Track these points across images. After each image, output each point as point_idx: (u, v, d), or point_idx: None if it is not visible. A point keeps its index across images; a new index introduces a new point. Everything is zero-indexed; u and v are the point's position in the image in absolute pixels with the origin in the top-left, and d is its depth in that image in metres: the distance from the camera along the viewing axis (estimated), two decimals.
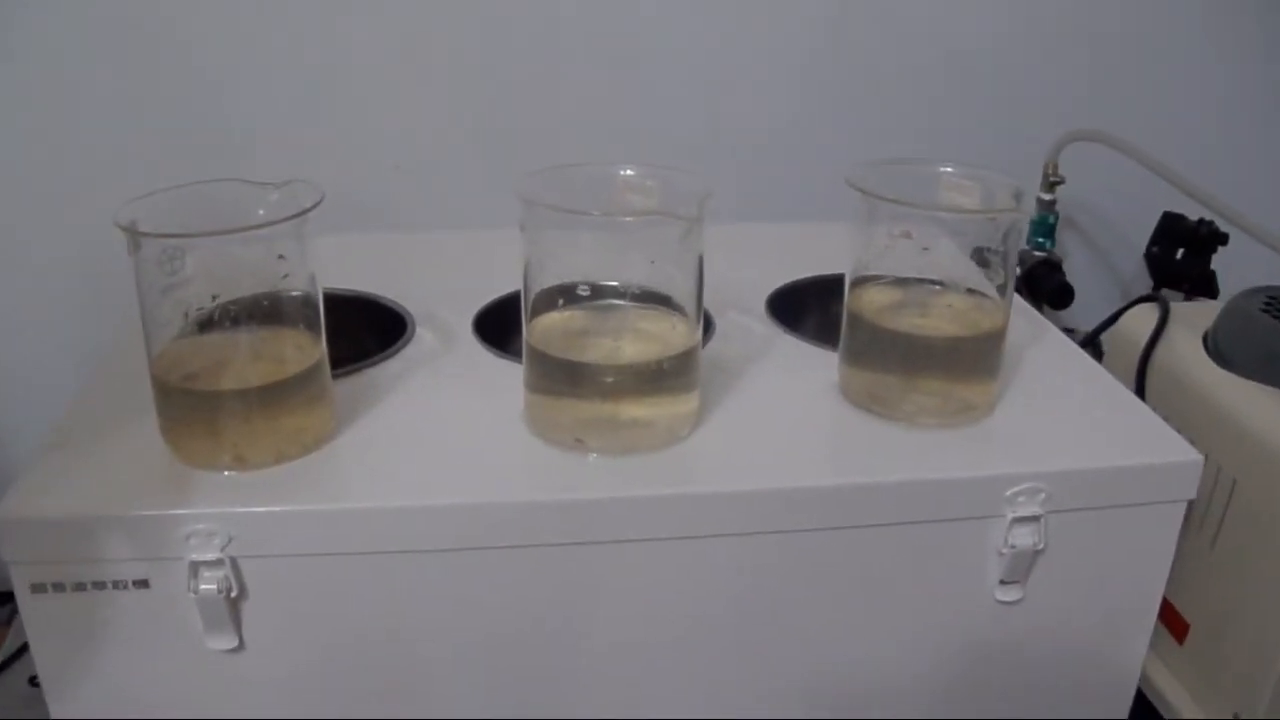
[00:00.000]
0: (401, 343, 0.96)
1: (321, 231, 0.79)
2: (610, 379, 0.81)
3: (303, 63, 1.29)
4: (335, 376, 0.84)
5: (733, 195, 1.30)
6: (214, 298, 0.80)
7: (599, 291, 0.83)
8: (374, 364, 0.93)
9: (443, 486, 0.78)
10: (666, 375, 0.81)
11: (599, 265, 0.82)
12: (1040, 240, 1.38)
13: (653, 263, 0.82)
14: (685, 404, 0.84)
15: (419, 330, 0.98)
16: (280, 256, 0.78)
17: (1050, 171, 1.34)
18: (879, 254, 0.89)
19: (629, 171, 0.84)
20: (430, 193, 1.35)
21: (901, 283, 0.90)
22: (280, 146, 1.29)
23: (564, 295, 0.83)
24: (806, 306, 1.06)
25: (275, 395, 0.79)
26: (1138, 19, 1.42)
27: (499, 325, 0.99)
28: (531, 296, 0.82)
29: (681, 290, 0.82)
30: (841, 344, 0.90)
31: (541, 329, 0.83)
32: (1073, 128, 1.33)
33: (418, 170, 1.34)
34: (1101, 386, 0.95)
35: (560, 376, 0.82)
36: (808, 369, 0.95)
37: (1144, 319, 1.10)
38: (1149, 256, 1.40)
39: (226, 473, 0.79)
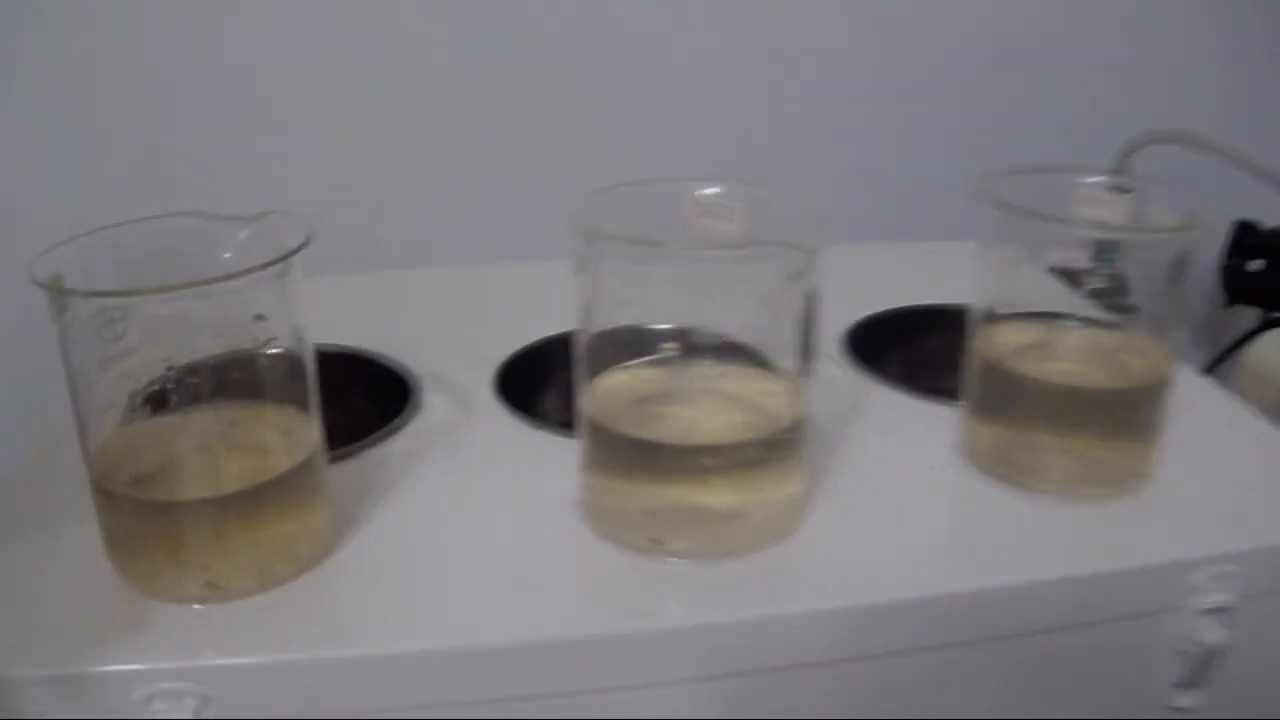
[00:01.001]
0: (407, 412, 0.75)
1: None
2: (697, 461, 0.61)
3: (265, 71, 1.06)
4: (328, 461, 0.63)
5: None
6: (168, 368, 0.59)
7: (671, 345, 0.63)
8: (375, 443, 0.72)
9: (483, 617, 0.59)
10: (771, 455, 0.62)
11: (676, 313, 0.63)
12: (1106, 257, 1.19)
13: (739, 308, 0.63)
14: (790, 491, 0.64)
15: (427, 395, 0.77)
16: (258, 316, 0.57)
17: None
18: (1012, 284, 0.69)
19: (711, 191, 0.64)
20: (419, 223, 1.13)
21: (1040, 320, 0.71)
22: (239, 170, 1.06)
23: (631, 351, 0.63)
24: (890, 345, 0.87)
25: (257, 499, 0.58)
26: (1188, 12, 1.24)
27: (526, 384, 0.79)
28: (589, 354, 0.62)
29: (783, 343, 0.63)
30: (967, 396, 0.71)
31: (604, 396, 0.63)
32: (1139, 131, 1.14)
33: (404, 198, 1.12)
34: (1263, 437, 0.76)
35: (630, 457, 0.62)
36: (914, 425, 0.76)
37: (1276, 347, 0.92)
38: (1225, 270, 1.22)
39: (196, 605, 0.58)
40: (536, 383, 0.80)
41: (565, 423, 0.73)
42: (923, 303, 0.92)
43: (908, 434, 0.75)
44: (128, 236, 0.60)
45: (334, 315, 0.81)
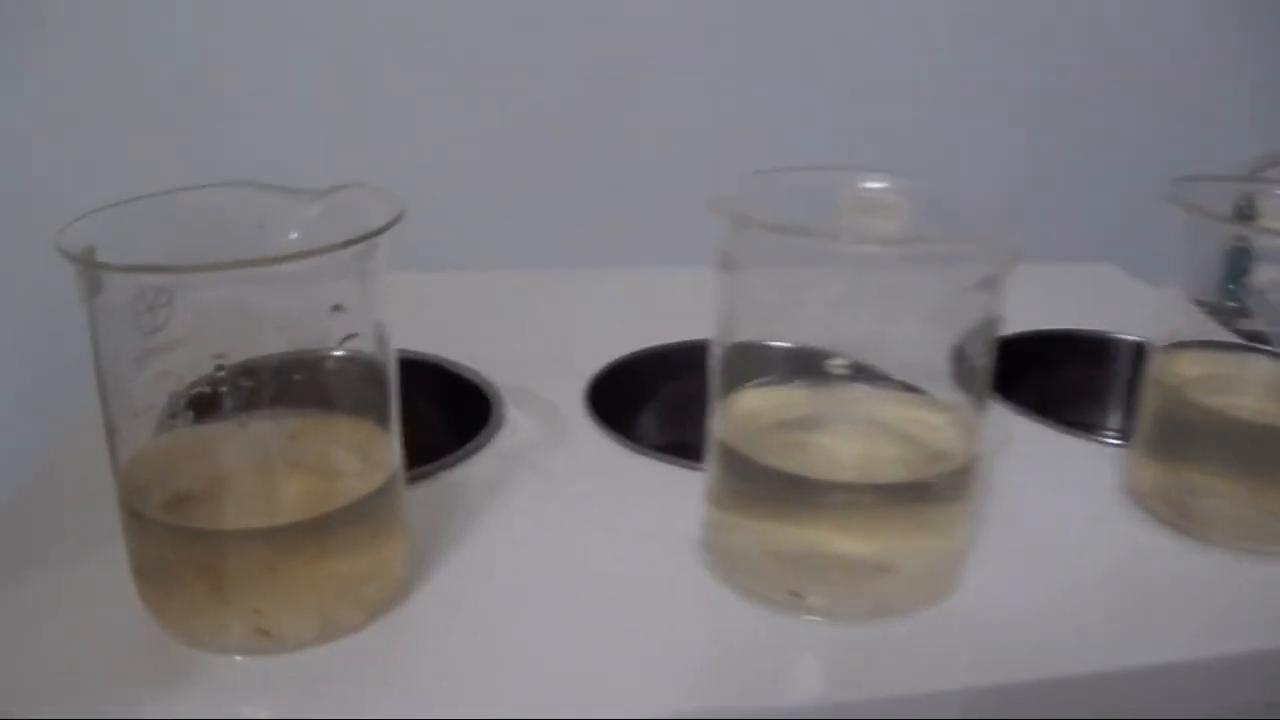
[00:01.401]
0: (488, 430, 0.64)
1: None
2: (847, 500, 0.50)
3: (317, 58, 0.95)
4: None
5: None
6: (219, 366, 0.48)
7: (820, 363, 0.52)
8: (453, 464, 0.61)
9: (583, 683, 0.47)
10: (931, 500, 0.51)
11: (826, 324, 0.51)
12: (1230, 288, 1.07)
13: (903, 321, 0.52)
14: (951, 544, 0.53)
15: (509, 410, 0.66)
16: (335, 308, 0.46)
17: (1244, 201, 1.05)
18: (1193, 309, 0.59)
19: (875, 184, 0.53)
20: (494, 223, 1.01)
21: (1221, 350, 0.60)
22: (290, 163, 0.95)
23: (773, 367, 0.52)
24: (1019, 372, 0.75)
25: (323, 530, 0.47)
26: None
27: (619, 402, 0.67)
28: (725, 366, 0.51)
29: (952, 368, 0.51)
30: (1139, 433, 0.60)
31: (739, 418, 0.52)
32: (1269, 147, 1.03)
33: (476, 195, 1.00)
34: None
35: (769, 492, 0.51)
36: (1065, 464, 0.65)
37: None
38: None
39: (241, 657, 0.47)
40: (631, 400, 0.69)
41: (665, 446, 0.62)
42: (1047, 327, 0.81)
43: (1061, 474, 0.64)
44: (173, 208, 0.50)
45: (400, 318, 0.71)
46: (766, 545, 0.51)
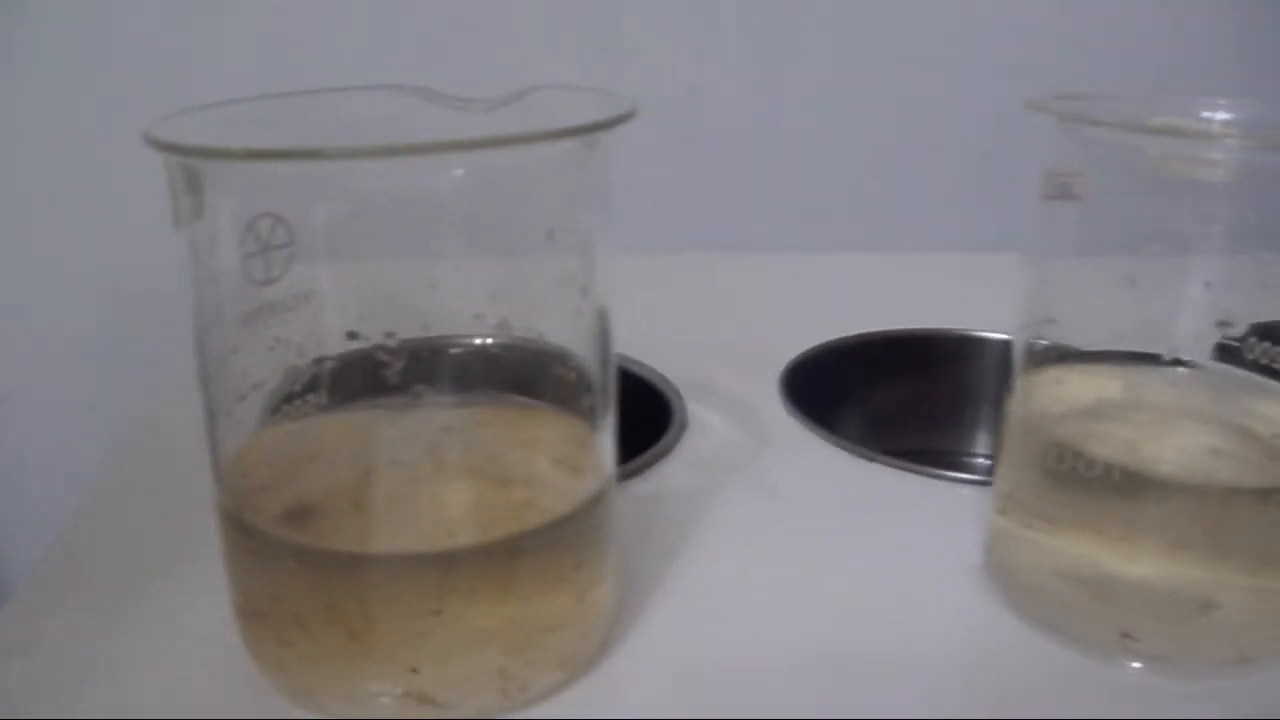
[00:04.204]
0: (672, 432, 0.47)
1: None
2: (1213, 505, 0.33)
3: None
4: None
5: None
6: (351, 334, 0.32)
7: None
8: (636, 471, 0.44)
9: None
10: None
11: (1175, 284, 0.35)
12: None
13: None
14: None
15: (692, 407, 0.50)
16: (549, 233, 0.31)
17: None
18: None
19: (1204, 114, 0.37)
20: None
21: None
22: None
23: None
24: None
25: (510, 558, 0.31)
26: None
27: (815, 400, 0.51)
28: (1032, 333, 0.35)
29: None
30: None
31: (1046, 396, 0.35)
32: None
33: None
34: None
35: (1098, 498, 0.34)
36: None
37: None
38: None
39: None
40: (827, 399, 0.52)
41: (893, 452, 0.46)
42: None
43: None
44: (296, 114, 0.34)
45: None
46: (1089, 569, 0.34)
